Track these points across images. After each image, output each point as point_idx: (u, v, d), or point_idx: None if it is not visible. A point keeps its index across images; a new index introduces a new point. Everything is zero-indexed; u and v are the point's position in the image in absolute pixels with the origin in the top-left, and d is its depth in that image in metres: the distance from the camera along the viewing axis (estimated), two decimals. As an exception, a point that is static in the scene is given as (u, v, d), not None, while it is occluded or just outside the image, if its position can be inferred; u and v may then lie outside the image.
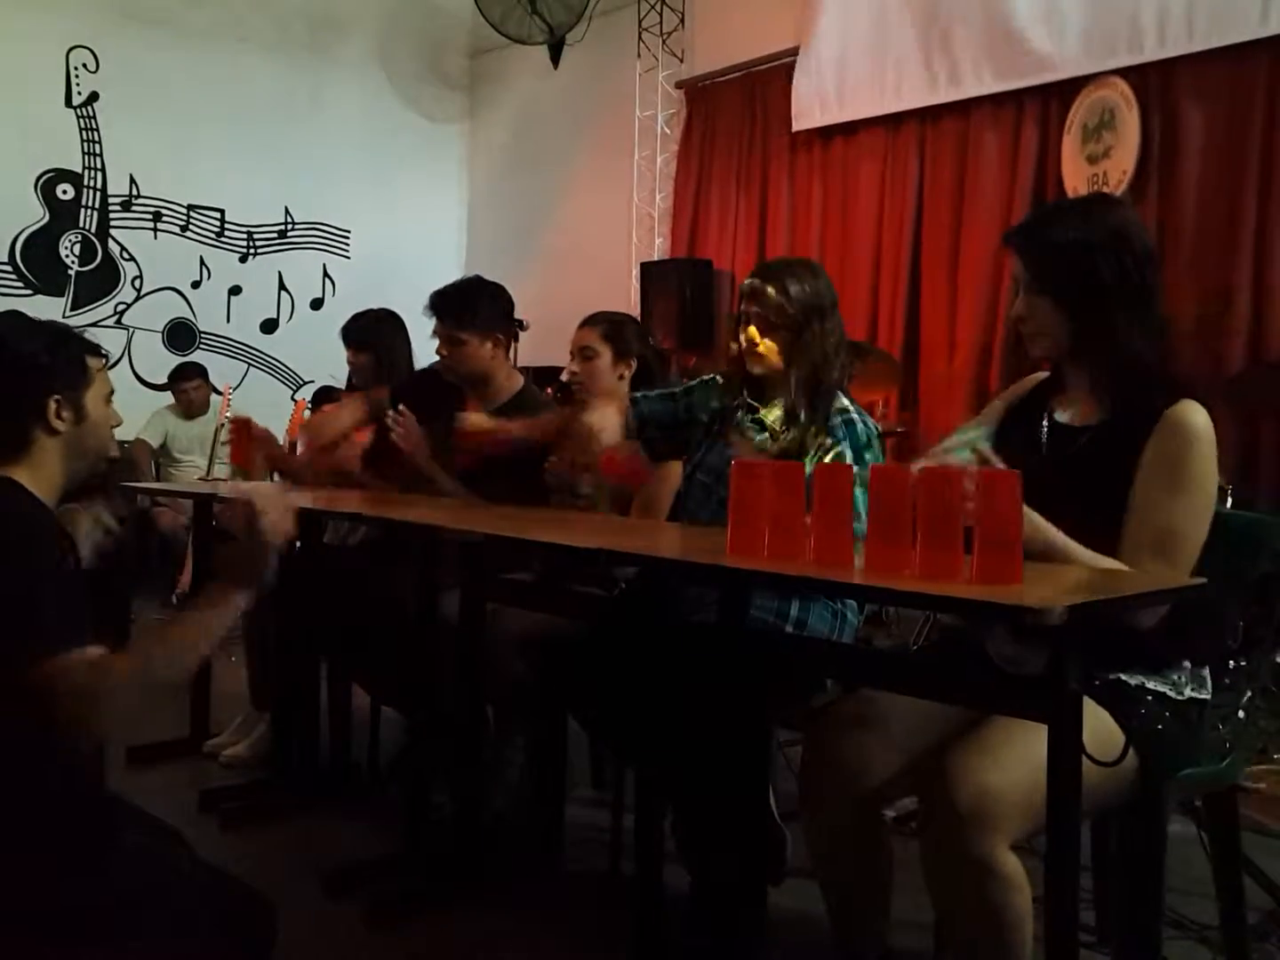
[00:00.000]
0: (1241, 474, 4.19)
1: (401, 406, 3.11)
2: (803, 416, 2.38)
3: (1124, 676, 1.82)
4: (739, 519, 1.88)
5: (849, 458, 2.32)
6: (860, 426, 2.38)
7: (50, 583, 1.54)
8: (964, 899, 1.67)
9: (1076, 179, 4.98)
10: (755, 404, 2.49)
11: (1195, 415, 1.80)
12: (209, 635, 1.59)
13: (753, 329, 2.41)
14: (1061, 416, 1.96)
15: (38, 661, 1.46)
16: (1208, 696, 1.88)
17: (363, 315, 3.76)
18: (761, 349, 2.40)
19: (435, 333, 3.22)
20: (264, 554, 1.61)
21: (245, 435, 3.53)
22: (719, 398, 2.57)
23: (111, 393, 1.80)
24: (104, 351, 1.80)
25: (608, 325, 3.01)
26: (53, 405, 1.69)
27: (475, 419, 2.93)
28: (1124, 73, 4.81)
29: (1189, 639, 1.84)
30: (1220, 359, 4.48)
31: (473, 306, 3.19)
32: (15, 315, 1.87)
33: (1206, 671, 1.90)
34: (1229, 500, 3.60)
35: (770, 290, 2.39)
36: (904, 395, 5.52)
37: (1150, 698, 1.80)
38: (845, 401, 2.42)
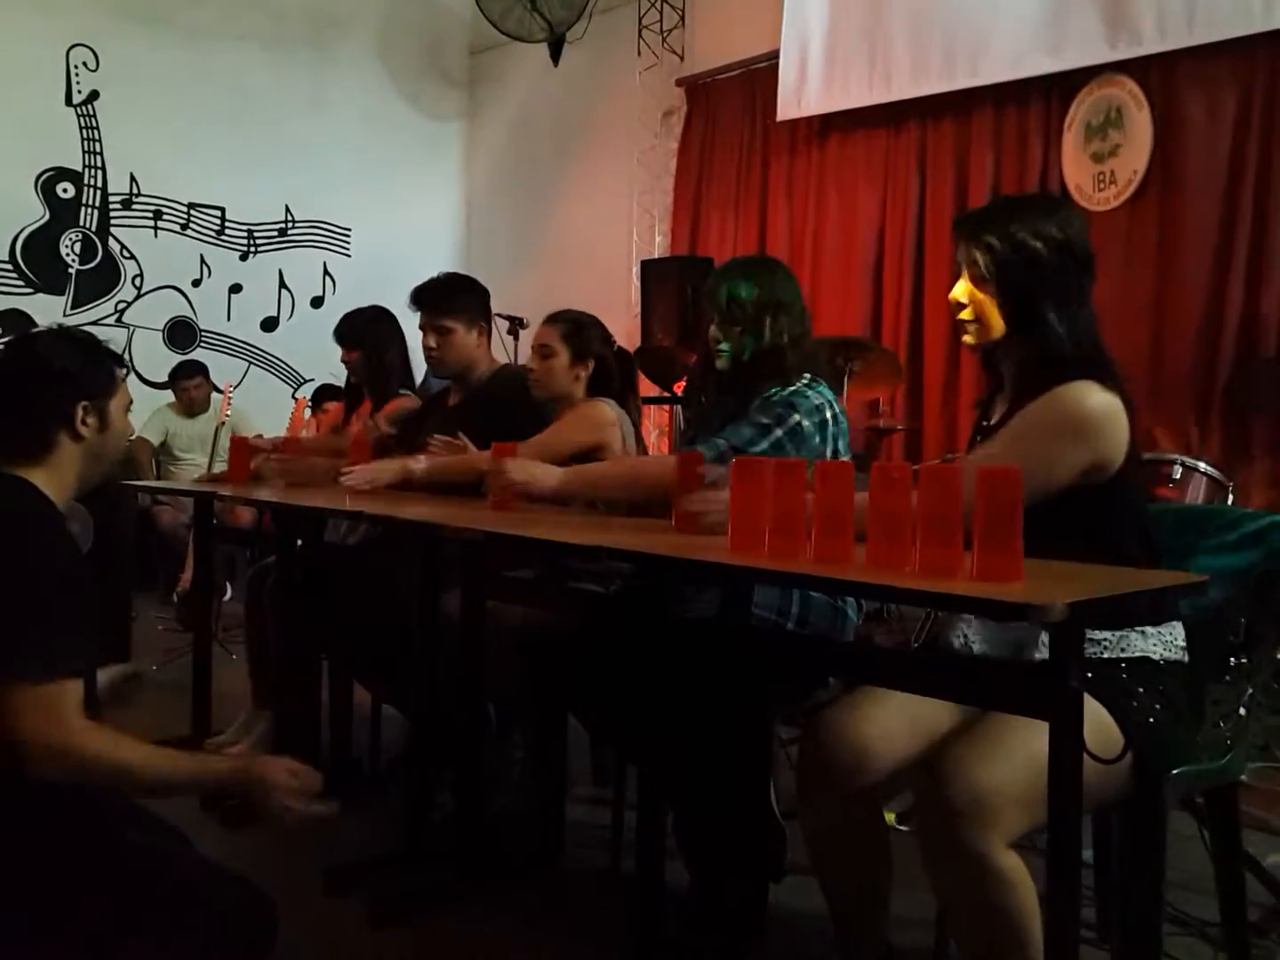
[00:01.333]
0: (1239, 472, 4.19)
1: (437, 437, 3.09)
2: (756, 406, 2.42)
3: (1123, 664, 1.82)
4: (740, 517, 1.87)
5: (777, 411, 2.37)
6: (803, 389, 2.41)
7: (47, 596, 1.56)
8: (964, 895, 1.67)
9: (1080, 177, 4.98)
10: (725, 400, 2.54)
11: (1076, 389, 1.81)
12: (176, 786, 1.64)
13: (714, 327, 2.48)
14: (993, 419, 2.00)
15: (9, 682, 1.49)
16: (1183, 659, 1.87)
17: (355, 314, 3.76)
18: (723, 346, 2.47)
19: (421, 325, 3.28)
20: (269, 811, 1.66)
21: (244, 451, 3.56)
22: (694, 398, 2.63)
23: (130, 404, 1.85)
24: (126, 363, 1.83)
25: (568, 325, 3.02)
26: (80, 411, 1.73)
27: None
28: (1126, 68, 4.81)
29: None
30: (1223, 354, 4.48)
31: (455, 295, 3.27)
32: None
33: (1171, 631, 1.88)
34: (1230, 498, 3.60)
35: (726, 288, 2.46)
36: (909, 392, 5.53)
37: (1142, 689, 1.79)
38: (805, 379, 2.45)
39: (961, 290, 1.95)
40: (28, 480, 1.68)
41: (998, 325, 1.93)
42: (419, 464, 2.96)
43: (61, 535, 1.66)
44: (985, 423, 2.03)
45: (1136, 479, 1.91)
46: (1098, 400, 1.82)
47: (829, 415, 2.42)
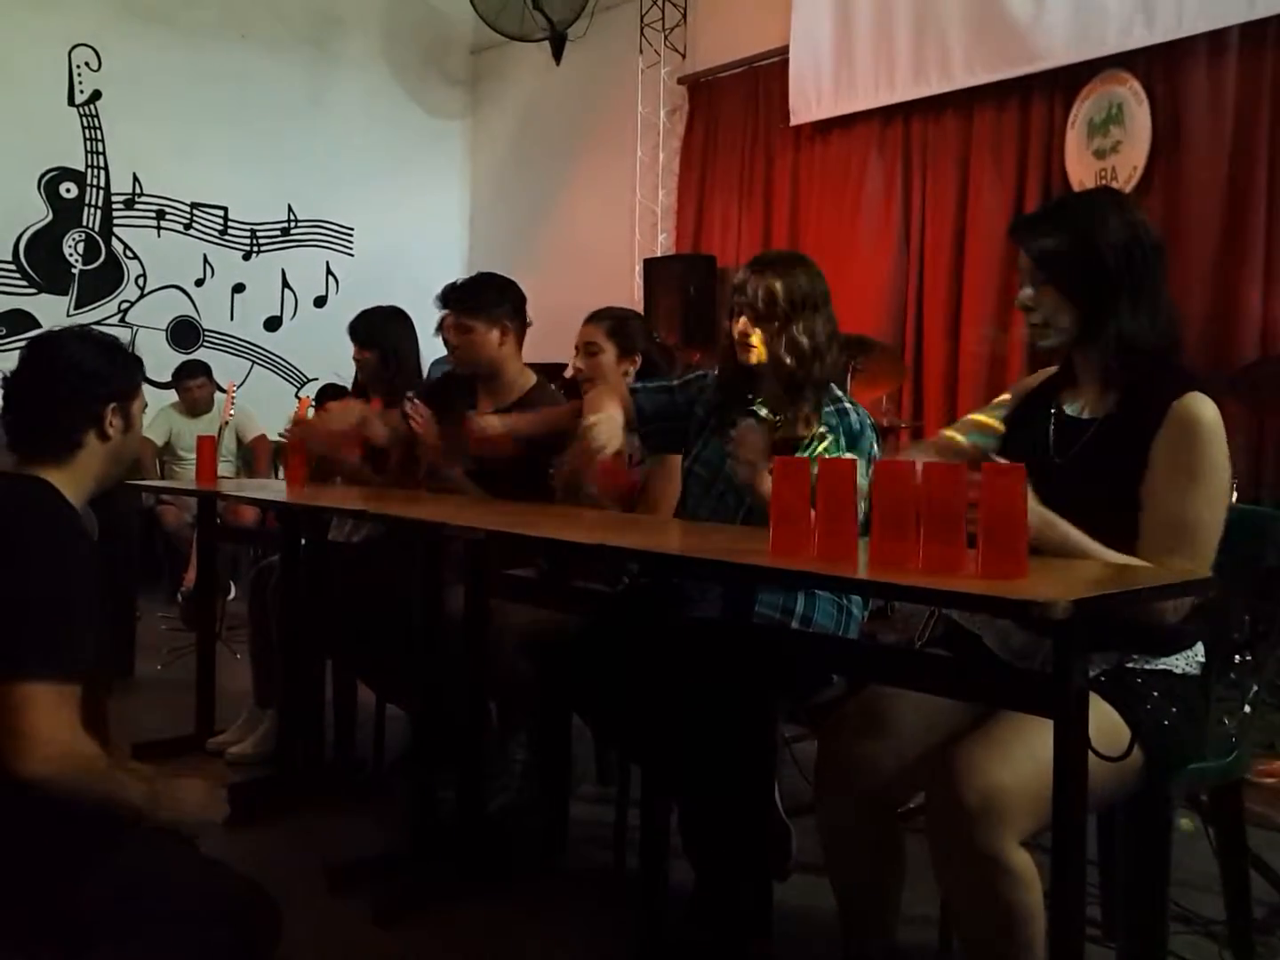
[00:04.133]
0: (1248, 468, 4.19)
1: (415, 399, 3.12)
2: (792, 407, 2.41)
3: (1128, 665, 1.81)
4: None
5: (842, 445, 2.36)
6: (853, 416, 2.43)
7: (67, 597, 1.57)
8: (974, 895, 1.66)
9: (1083, 173, 4.98)
10: (749, 396, 2.52)
11: (1203, 408, 1.80)
12: (132, 804, 1.63)
13: (743, 321, 2.45)
14: (1070, 409, 1.96)
15: (10, 677, 1.50)
16: (1197, 672, 1.87)
17: (371, 313, 3.75)
18: (752, 341, 2.44)
19: (445, 321, 3.27)
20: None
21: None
22: (714, 392, 2.60)
23: (145, 406, 1.87)
24: (143, 365, 1.88)
25: (612, 321, 3.01)
26: (109, 413, 1.76)
27: (487, 420, 2.92)
28: (1127, 64, 4.80)
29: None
30: (1230, 352, 4.47)
31: (480, 294, 3.24)
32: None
33: (1196, 646, 1.88)
34: (1234, 495, 3.58)
35: (759, 283, 2.42)
36: (911, 391, 5.52)
37: (1157, 693, 1.79)
38: (839, 393, 2.47)
39: (1028, 295, 1.92)
40: (48, 481, 1.70)
41: (1070, 327, 1.89)
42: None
43: (82, 538, 1.67)
44: (1057, 409, 1.97)
45: None
46: (1215, 412, 1.81)
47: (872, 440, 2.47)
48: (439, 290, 3.29)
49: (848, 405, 2.44)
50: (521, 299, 3.30)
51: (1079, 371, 1.97)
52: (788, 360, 2.41)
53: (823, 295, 2.46)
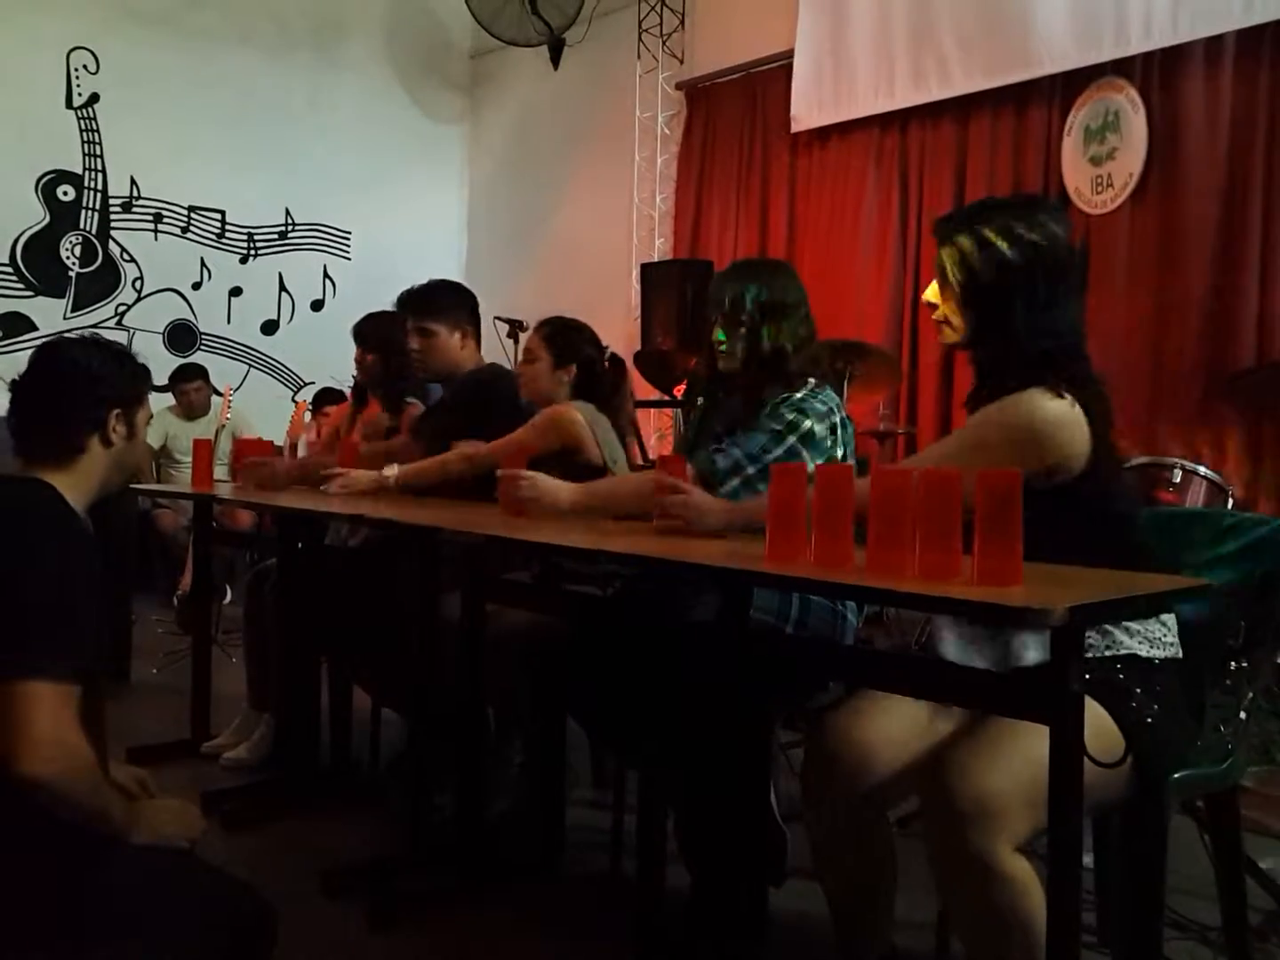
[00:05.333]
0: (1244, 473, 4.20)
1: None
2: (767, 413, 2.42)
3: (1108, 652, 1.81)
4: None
5: (788, 417, 2.36)
6: (810, 395, 2.41)
7: (71, 597, 1.57)
8: (971, 901, 1.66)
9: (1078, 180, 4.99)
10: (728, 402, 2.55)
11: (1026, 399, 1.81)
12: (115, 820, 1.63)
13: (717, 328, 2.48)
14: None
15: (10, 676, 1.49)
16: (1176, 655, 1.86)
17: (377, 316, 3.76)
18: (725, 348, 2.47)
19: (408, 329, 3.32)
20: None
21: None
22: (697, 400, 2.64)
23: (151, 417, 1.89)
24: (151, 375, 1.89)
25: (550, 330, 3.06)
26: (112, 418, 1.77)
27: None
28: (1123, 72, 4.82)
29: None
30: (1226, 357, 4.48)
31: (438, 298, 3.32)
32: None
33: (1159, 628, 1.85)
34: (1230, 501, 3.59)
35: (730, 291, 2.46)
36: (906, 397, 5.53)
37: (1139, 690, 1.78)
38: (808, 392, 2.43)
39: (932, 292, 1.98)
40: (49, 483, 1.70)
41: (963, 328, 1.95)
42: (391, 471, 3.08)
43: (83, 539, 1.67)
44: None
45: (1109, 481, 1.88)
46: (1048, 409, 1.80)
47: (837, 420, 2.42)
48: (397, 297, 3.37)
49: (806, 404, 2.40)
50: (475, 302, 3.40)
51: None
52: (756, 364, 2.44)
53: (795, 299, 2.48)
